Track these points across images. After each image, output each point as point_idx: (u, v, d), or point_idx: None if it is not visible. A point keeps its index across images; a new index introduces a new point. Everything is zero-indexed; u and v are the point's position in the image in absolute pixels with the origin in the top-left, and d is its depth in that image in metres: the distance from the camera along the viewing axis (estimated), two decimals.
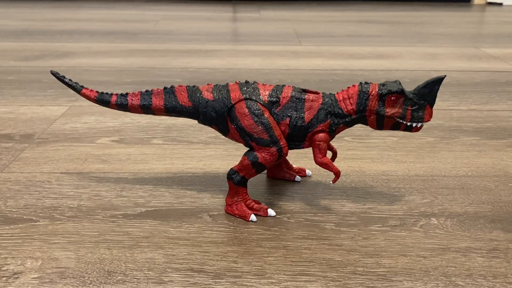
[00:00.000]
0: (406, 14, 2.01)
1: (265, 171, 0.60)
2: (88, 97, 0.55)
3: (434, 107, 0.74)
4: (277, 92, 0.51)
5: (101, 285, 0.42)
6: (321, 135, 0.51)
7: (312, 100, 0.51)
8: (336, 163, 0.63)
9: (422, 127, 0.60)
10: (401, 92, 0.49)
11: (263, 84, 0.52)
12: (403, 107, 0.50)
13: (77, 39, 1.41)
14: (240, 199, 0.52)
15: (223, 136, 0.67)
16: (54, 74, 0.56)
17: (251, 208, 0.52)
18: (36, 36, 1.44)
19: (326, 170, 0.62)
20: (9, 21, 1.70)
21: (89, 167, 0.63)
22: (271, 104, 0.51)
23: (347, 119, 0.51)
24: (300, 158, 0.66)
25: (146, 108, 0.54)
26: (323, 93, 0.52)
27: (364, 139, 0.73)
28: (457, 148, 0.70)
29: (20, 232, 0.49)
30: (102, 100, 0.55)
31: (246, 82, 0.52)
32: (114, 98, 0.54)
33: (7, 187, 0.58)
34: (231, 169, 0.52)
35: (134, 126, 0.77)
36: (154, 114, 0.54)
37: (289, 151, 0.67)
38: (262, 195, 0.57)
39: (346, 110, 0.51)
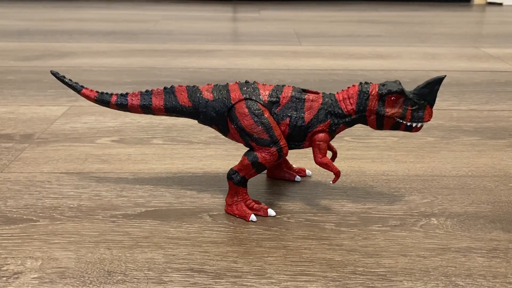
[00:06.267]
0: (406, 14, 2.01)
1: (265, 171, 0.60)
2: (88, 97, 0.55)
3: (434, 107, 0.74)
4: (277, 92, 0.51)
5: (101, 285, 0.42)
6: (321, 135, 0.51)
7: (312, 100, 0.51)
8: (336, 163, 0.63)
9: (422, 127, 0.60)
10: (401, 92, 0.49)
11: (263, 84, 0.52)
12: (403, 107, 0.50)
13: (77, 39, 1.41)
14: (240, 199, 0.52)
15: (223, 136, 0.67)
16: (54, 74, 0.56)
17: (251, 208, 0.52)
18: (36, 36, 1.44)
19: (326, 170, 0.62)
20: (9, 21, 1.70)
21: (89, 167, 0.63)
22: (271, 104, 0.51)
23: (347, 119, 0.51)
24: (300, 158, 0.66)
25: (146, 108, 0.54)
26: (323, 93, 0.52)
27: (364, 139, 0.73)
28: (457, 148, 0.70)
29: (20, 232, 0.49)
30: (102, 100, 0.55)
31: (246, 82, 0.52)
32: (114, 98, 0.54)
33: (7, 187, 0.58)
34: (231, 169, 0.52)
35: (134, 126, 0.77)
36: (154, 114, 0.54)
37: (289, 151, 0.67)
38: (262, 195, 0.57)
39: (346, 110, 0.51)
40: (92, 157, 0.66)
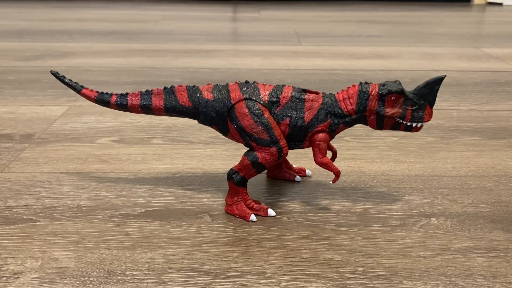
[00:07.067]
0: (406, 14, 2.01)
1: (265, 171, 0.60)
2: (88, 97, 0.55)
3: (434, 107, 0.74)
4: (277, 92, 0.51)
5: (101, 285, 0.42)
6: (321, 135, 0.51)
7: (312, 100, 0.51)
8: (336, 163, 0.63)
9: (422, 127, 0.60)
10: (401, 92, 0.49)
11: (263, 84, 0.52)
12: (403, 107, 0.50)
13: (77, 39, 1.41)
14: (240, 199, 0.52)
15: (223, 136, 0.67)
16: (54, 74, 0.56)
17: (251, 208, 0.52)
18: (36, 36, 1.44)
19: (326, 170, 0.62)
20: (9, 21, 1.70)
21: (89, 167, 0.63)
22: (271, 104, 0.51)
23: (347, 119, 0.51)
24: (300, 158, 0.66)
25: (146, 108, 0.54)
26: (323, 93, 0.52)
27: (364, 139, 0.73)
28: (457, 148, 0.70)
29: (20, 232, 0.49)
30: (102, 100, 0.55)
31: (246, 82, 0.52)
32: (114, 98, 0.54)
33: (7, 187, 0.58)
34: (231, 169, 0.52)
35: (134, 126, 0.77)
36: (154, 114, 0.54)
37: (289, 151, 0.67)
38: (262, 195, 0.57)
39: (346, 110, 0.51)
40: (92, 157, 0.66)
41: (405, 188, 0.58)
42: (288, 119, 0.50)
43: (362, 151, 0.69)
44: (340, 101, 0.51)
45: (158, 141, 0.72)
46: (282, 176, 0.60)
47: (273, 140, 0.50)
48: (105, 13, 1.92)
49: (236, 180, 0.51)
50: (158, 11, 2.00)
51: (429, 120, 0.50)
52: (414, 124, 0.50)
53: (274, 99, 0.51)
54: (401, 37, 1.51)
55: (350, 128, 0.58)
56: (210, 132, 0.75)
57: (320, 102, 0.51)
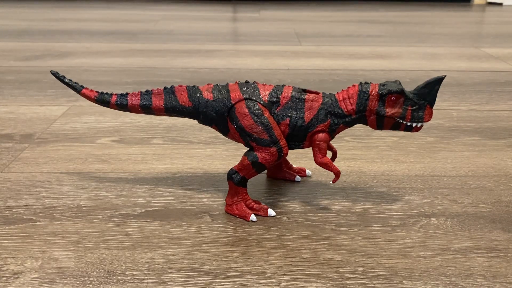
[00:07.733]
0: (406, 14, 2.01)
1: (265, 171, 0.60)
2: (88, 97, 0.55)
3: (434, 107, 0.74)
4: (277, 92, 0.51)
5: (101, 285, 0.42)
6: (321, 135, 0.51)
7: (312, 100, 0.51)
8: (336, 163, 0.63)
9: (422, 127, 0.60)
10: (401, 92, 0.49)
11: (263, 84, 0.52)
12: (403, 107, 0.50)
13: (77, 39, 1.41)
14: (240, 199, 0.52)
15: (223, 136, 0.67)
16: (54, 74, 0.56)
17: (251, 208, 0.52)
18: (36, 36, 1.44)
19: (326, 170, 0.62)
20: (9, 21, 1.70)
21: (89, 167, 0.63)
22: (271, 104, 0.51)
23: (347, 119, 0.51)
24: (300, 158, 0.66)
25: (146, 108, 0.54)
26: (323, 93, 0.52)
27: (364, 139, 0.73)
28: (457, 148, 0.70)
29: (20, 232, 0.49)
30: (102, 100, 0.55)
31: (246, 82, 0.52)
32: (114, 98, 0.54)
33: (7, 187, 0.58)
34: (231, 169, 0.52)
35: (134, 126, 0.77)
36: (154, 114, 0.54)
37: (289, 151, 0.67)
38: (262, 195, 0.57)
39: (346, 110, 0.51)
40: (92, 157, 0.66)
41: (405, 188, 0.58)
42: (288, 119, 0.50)
43: (362, 151, 0.69)
44: (340, 101, 0.51)
45: (158, 141, 0.72)
46: (282, 176, 0.60)
47: (273, 140, 0.50)
48: (105, 13, 1.92)
49: (236, 180, 0.51)
50: (158, 11, 2.00)
51: (429, 120, 0.50)
52: (414, 124, 0.50)
53: (274, 99, 0.51)
54: (401, 37, 1.51)
55: (350, 128, 0.58)
56: (210, 132, 0.75)
57: (320, 102, 0.51)
